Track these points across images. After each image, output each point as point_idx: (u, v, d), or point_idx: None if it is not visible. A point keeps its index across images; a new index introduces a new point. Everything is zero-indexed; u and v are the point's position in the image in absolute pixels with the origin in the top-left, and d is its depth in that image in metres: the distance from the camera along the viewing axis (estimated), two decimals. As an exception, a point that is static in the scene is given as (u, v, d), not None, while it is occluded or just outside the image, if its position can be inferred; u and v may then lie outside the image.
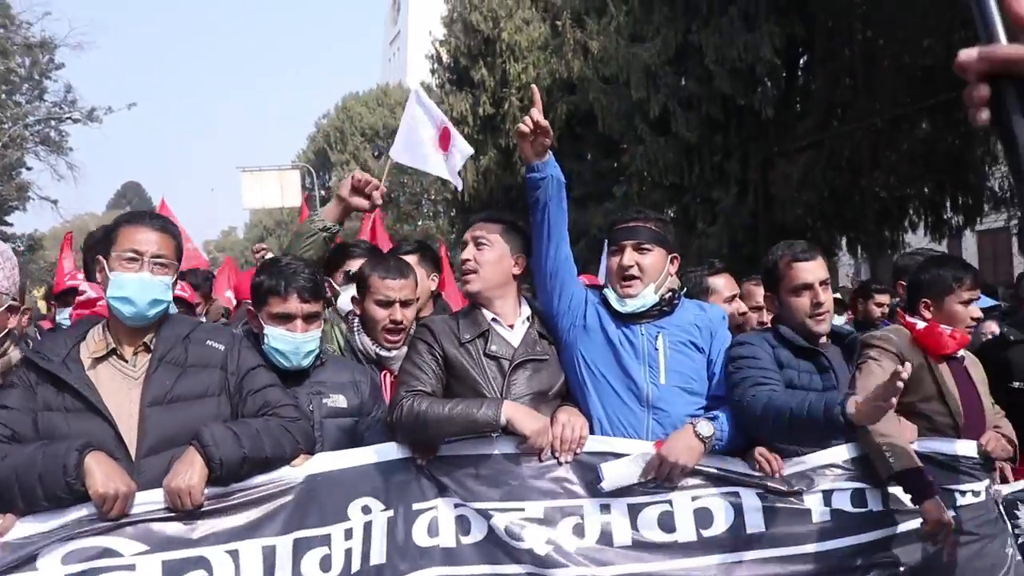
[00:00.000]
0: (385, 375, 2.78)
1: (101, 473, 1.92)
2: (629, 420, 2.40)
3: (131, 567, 1.94)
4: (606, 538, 2.29)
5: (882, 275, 13.32)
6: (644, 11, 14.27)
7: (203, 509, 2.02)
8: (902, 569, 2.40)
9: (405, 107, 6.32)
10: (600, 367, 2.45)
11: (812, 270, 2.56)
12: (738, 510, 2.33)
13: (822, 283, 2.56)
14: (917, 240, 13.57)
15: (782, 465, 2.38)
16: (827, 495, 2.40)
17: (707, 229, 14.36)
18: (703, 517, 2.32)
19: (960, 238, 17.12)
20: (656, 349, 2.43)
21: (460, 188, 11.30)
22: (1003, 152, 0.84)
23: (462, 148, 6.13)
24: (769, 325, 2.76)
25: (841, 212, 13.85)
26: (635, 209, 2.67)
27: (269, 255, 4.05)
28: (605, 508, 2.31)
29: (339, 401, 2.46)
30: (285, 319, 2.40)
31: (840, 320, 5.81)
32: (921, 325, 2.75)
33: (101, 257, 2.17)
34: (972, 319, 2.77)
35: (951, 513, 2.47)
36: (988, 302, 4.22)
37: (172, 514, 2.00)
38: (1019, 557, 2.58)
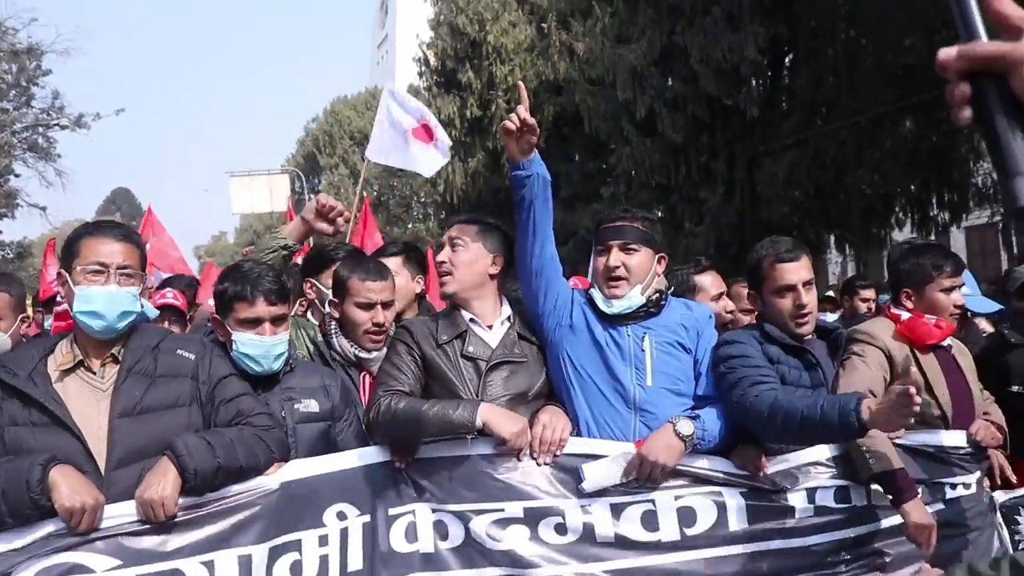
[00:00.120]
0: (364, 376, 2.75)
1: (67, 487, 1.88)
2: (616, 422, 2.37)
3: None
4: (588, 537, 2.26)
5: (871, 272, 13.42)
6: (629, 12, 14.34)
7: (176, 520, 1.98)
8: (888, 561, 2.39)
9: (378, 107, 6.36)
10: (586, 368, 2.41)
11: (795, 271, 2.51)
12: (722, 508, 2.31)
13: (805, 284, 2.51)
14: (904, 237, 13.67)
15: (767, 464, 2.36)
16: (811, 492, 2.38)
17: (694, 229, 14.44)
18: (687, 516, 2.30)
19: (947, 234, 17.25)
20: (643, 350, 2.40)
21: (433, 175, 11.31)
22: (987, 149, 0.82)
23: (442, 138, 6.18)
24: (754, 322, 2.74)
25: (827, 210, 13.97)
26: (622, 208, 2.62)
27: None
28: (587, 508, 2.28)
29: (311, 406, 2.45)
30: (253, 323, 2.38)
31: (833, 318, 5.79)
32: (905, 316, 2.70)
33: (63, 271, 2.12)
34: (956, 307, 2.72)
35: (940, 506, 2.45)
36: (993, 306, 4.12)
37: (145, 526, 1.96)
38: (1010, 550, 2.57)
